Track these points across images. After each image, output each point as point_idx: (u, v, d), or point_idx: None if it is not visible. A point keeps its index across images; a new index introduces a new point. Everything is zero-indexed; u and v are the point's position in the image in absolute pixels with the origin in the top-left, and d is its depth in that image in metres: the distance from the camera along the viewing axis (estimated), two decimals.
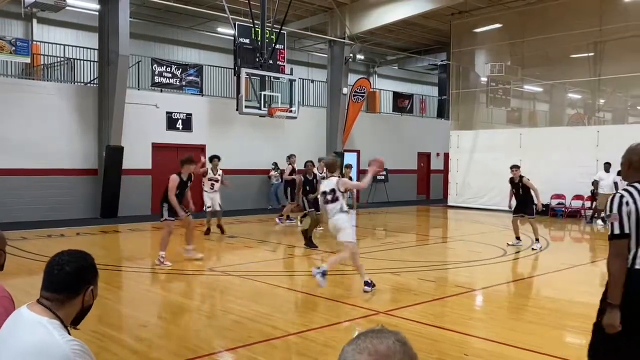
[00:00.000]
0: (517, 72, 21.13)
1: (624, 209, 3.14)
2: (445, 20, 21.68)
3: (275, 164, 19.04)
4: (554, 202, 18.32)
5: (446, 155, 23.64)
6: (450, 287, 8.04)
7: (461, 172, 21.65)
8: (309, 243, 11.34)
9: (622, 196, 3.19)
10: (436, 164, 26.10)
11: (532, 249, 11.19)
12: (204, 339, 5.61)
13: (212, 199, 12.69)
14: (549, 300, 7.38)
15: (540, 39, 19.38)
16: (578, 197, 17.80)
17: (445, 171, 24.22)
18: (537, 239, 11.33)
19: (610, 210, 3.19)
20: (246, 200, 18.95)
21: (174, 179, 9.51)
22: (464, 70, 22.47)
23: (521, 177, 11.48)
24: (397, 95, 25.44)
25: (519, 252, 11.09)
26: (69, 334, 2.09)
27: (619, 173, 12.65)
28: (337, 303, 6.97)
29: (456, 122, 22.53)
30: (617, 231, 3.14)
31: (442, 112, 26.56)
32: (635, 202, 3.15)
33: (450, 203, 21.86)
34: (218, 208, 12.70)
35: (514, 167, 11.67)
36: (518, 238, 11.61)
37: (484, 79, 22.19)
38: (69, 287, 2.13)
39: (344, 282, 8.62)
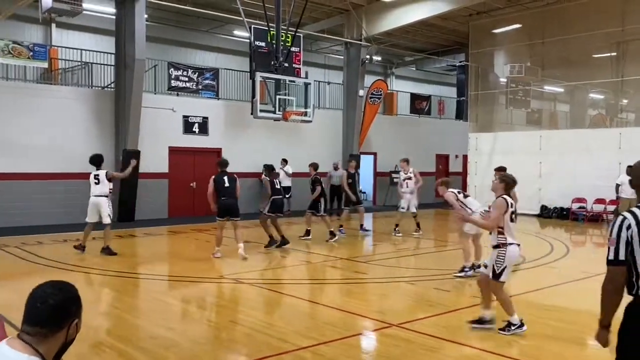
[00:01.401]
0: (537, 73, 20.78)
1: (624, 234, 2.96)
2: (464, 21, 21.41)
3: (272, 167, 18.60)
4: (575, 206, 17.96)
5: (465, 158, 23.34)
6: (467, 298, 7.83)
7: (480, 174, 21.35)
8: (284, 241, 11.75)
9: (624, 219, 3.00)
10: (455, 166, 25.78)
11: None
12: (211, 352, 5.53)
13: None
14: (567, 312, 7.16)
15: (560, 40, 19.02)
16: (600, 200, 17.42)
17: (464, 173, 23.91)
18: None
19: (610, 234, 3.03)
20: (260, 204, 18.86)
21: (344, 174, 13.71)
22: (483, 71, 22.17)
23: None
24: (414, 97, 25.19)
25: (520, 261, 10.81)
26: None
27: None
28: (349, 315, 6.83)
29: (475, 123, 22.25)
30: (611, 257, 3.00)
31: (461, 113, 26.24)
32: (638, 225, 2.94)
33: None
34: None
35: (498, 170, 11.06)
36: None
37: (503, 80, 21.87)
38: (54, 321, 2.03)
39: (356, 292, 8.49)
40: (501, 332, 5.96)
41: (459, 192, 9.21)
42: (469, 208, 9.17)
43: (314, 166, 13.30)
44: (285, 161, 18.34)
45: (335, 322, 6.51)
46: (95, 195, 10.71)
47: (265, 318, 6.69)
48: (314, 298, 7.90)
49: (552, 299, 7.91)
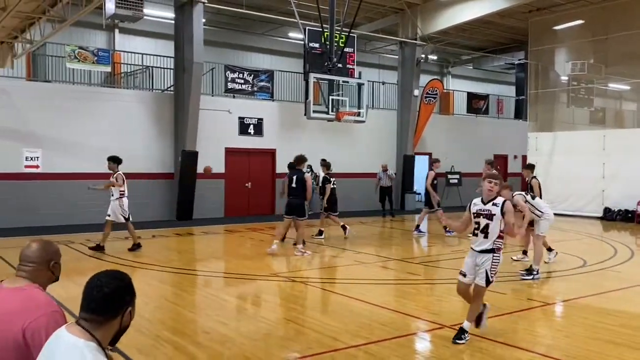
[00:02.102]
0: (601, 71, 19.98)
1: None
2: (523, 18, 20.85)
3: (310, 167, 18.54)
4: None
5: (524, 158, 22.70)
6: (523, 301, 7.65)
7: (540, 175, 20.62)
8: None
9: None
10: (513, 167, 25.10)
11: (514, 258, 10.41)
12: (263, 348, 5.61)
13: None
14: (630, 317, 6.86)
15: (626, 35, 18.22)
16: None
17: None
18: (524, 252, 10.42)
19: None
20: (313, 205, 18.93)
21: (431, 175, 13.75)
22: (543, 69, 21.51)
23: (534, 177, 10.40)
24: (471, 96, 24.70)
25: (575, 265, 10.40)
26: (106, 355, 2.09)
27: None
28: (401, 315, 6.79)
29: (534, 123, 21.62)
30: None
31: (520, 112, 25.56)
32: None
33: None
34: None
35: (526, 168, 10.73)
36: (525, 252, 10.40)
37: (564, 78, 21.15)
38: (108, 308, 2.13)
39: (409, 292, 8.42)
40: (457, 341, 5.57)
41: (525, 194, 9.26)
42: (540, 210, 9.29)
43: (326, 165, 13.38)
44: (324, 161, 18.21)
45: (387, 322, 6.49)
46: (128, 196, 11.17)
47: (317, 316, 6.74)
48: (365, 298, 7.88)
49: (615, 304, 7.60)
